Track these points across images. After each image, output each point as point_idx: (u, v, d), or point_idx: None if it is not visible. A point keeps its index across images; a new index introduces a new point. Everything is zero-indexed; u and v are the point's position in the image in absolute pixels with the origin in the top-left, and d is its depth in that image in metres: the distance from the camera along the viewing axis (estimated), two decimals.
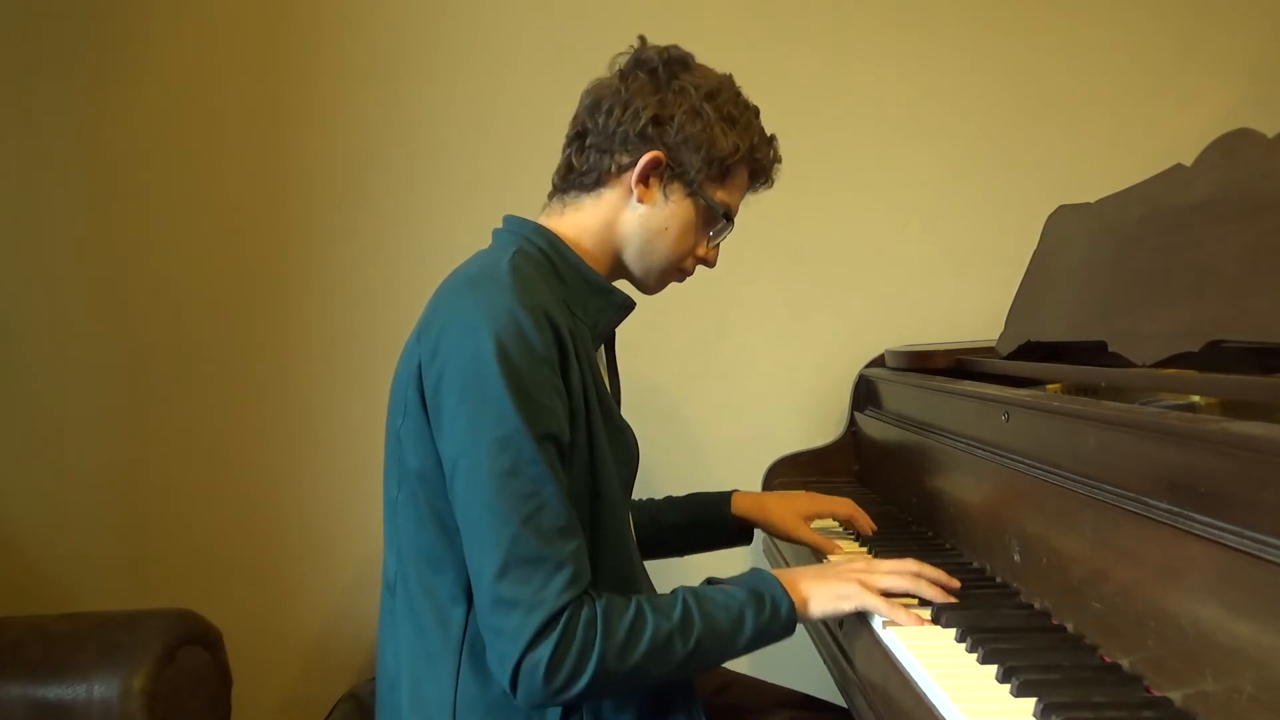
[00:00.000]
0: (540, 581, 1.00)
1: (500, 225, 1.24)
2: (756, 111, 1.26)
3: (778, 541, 1.60)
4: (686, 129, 1.18)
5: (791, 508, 1.47)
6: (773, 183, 1.30)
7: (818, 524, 1.50)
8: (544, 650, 0.99)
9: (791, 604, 1.10)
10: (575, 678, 1.00)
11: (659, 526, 1.48)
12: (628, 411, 1.28)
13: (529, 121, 2.07)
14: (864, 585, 1.12)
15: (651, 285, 1.28)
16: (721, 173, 1.21)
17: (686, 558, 1.54)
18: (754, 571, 1.15)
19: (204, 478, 2.11)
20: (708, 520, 1.49)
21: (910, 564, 1.17)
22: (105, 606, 1.75)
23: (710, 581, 1.14)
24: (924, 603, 1.14)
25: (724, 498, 1.50)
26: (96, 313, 2.10)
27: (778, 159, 1.28)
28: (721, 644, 1.07)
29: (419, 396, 1.09)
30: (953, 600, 1.13)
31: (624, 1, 2.10)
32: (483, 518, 1.02)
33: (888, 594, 1.12)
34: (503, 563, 1.00)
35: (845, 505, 1.48)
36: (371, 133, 2.11)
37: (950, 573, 1.19)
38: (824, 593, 1.13)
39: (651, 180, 1.19)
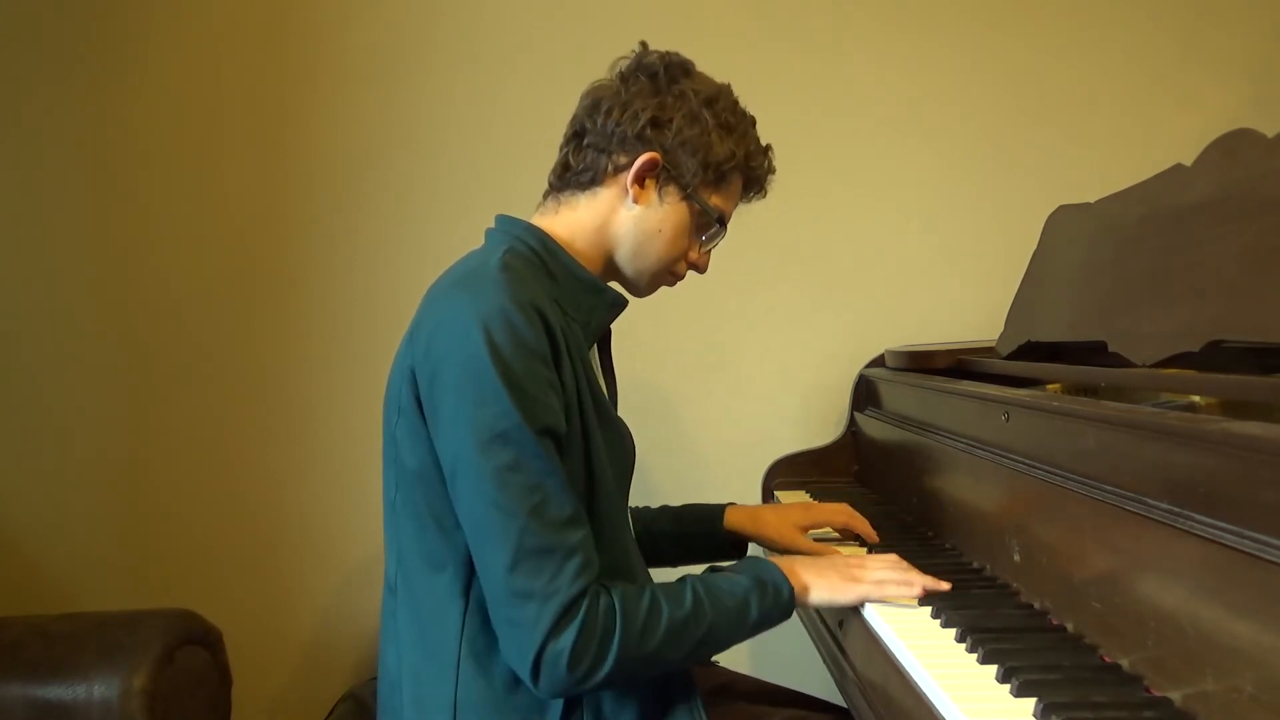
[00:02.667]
0: (552, 571, 1.01)
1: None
2: (753, 121, 1.27)
3: (774, 554, 1.59)
4: (684, 132, 1.19)
5: (787, 520, 1.47)
6: (766, 193, 1.31)
7: (816, 532, 1.49)
8: (566, 639, 1.00)
9: (792, 589, 1.14)
10: (598, 665, 1.02)
11: (652, 535, 1.47)
12: (627, 411, 1.28)
13: (529, 121, 2.07)
14: (856, 580, 1.17)
15: (643, 288, 1.29)
16: (717, 178, 1.22)
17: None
18: (754, 560, 1.19)
19: (204, 478, 2.11)
20: (699, 534, 1.49)
21: (895, 558, 1.22)
22: (105, 606, 1.75)
23: (713, 569, 1.16)
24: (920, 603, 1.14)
25: (718, 511, 1.49)
26: (96, 313, 2.09)
27: (772, 169, 1.29)
28: (730, 628, 1.10)
29: (413, 397, 1.09)
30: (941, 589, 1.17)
31: (624, 2, 2.10)
32: (488, 514, 1.03)
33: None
34: (513, 556, 1.01)
35: (842, 513, 1.48)
36: (371, 133, 2.11)
37: (950, 573, 1.20)
38: (821, 582, 1.18)
39: (648, 182, 1.20)
